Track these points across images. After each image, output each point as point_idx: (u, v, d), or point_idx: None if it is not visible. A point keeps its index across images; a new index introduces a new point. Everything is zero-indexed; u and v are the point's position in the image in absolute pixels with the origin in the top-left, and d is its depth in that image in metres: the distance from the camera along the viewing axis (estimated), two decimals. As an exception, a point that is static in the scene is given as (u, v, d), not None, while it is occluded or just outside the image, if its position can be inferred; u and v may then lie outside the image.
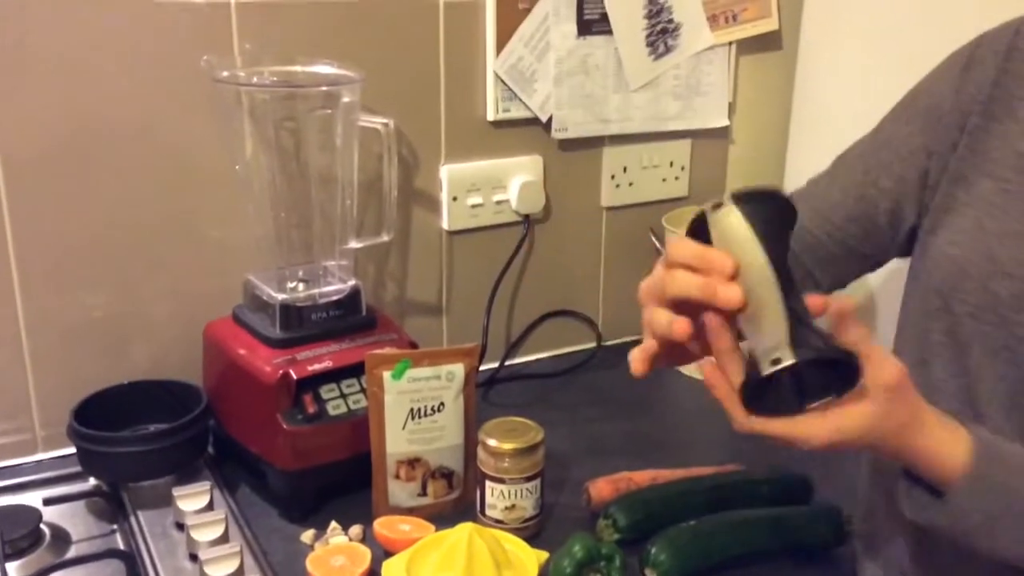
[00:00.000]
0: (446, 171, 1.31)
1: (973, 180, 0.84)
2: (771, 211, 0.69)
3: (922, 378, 0.87)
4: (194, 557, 0.94)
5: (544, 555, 0.93)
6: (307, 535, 1.00)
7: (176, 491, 1.01)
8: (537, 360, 1.47)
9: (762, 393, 0.68)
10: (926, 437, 0.71)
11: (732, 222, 0.68)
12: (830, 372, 0.68)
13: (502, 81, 1.31)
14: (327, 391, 1.04)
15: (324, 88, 1.10)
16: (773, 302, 0.66)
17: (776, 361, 0.65)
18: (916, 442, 0.71)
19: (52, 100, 1.07)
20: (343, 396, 1.05)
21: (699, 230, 0.71)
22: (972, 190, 0.84)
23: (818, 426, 0.68)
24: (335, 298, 1.10)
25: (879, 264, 0.97)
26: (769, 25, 1.48)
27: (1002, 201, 0.81)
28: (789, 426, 0.69)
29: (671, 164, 1.49)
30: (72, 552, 0.98)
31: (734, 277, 0.66)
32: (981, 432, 0.74)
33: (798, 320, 0.66)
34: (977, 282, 0.81)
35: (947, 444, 0.72)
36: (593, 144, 1.42)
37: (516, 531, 0.99)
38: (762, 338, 0.67)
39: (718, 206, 0.69)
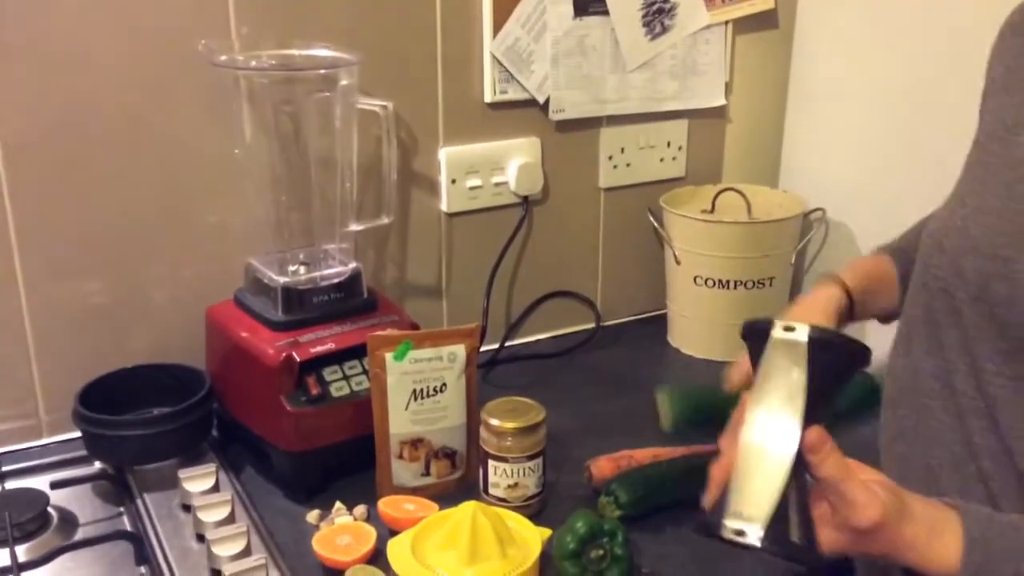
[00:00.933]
0: (444, 153, 1.32)
1: (971, 151, 0.84)
2: (831, 371, 0.68)
3: (907, 358, 0.85)
4: (201, 537, 0.95)
5: (547, 532, 0.94)
6: (312, 515, 1.01)
7: (182, 473, 1.02)
8: (537, 341, 1.47)
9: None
10: (917, 555, 0.69)
11: (791, 378, 0.67)
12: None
13: (499, 63, 1.31)
14: (330, 373, 1.05)
15: (322, 71, 1.10)
16: (777, 476, 0.65)
17: (740, 533, 0.64)
18: (904, 560, 0.70)
19: (49, 87, 1.07)
20: (346, 378, 1.05)
21: (757, 337, 0.70)
22: (967, 161, 0.84)
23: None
24: (336, 281, 1.11)
25: None
26: (765, 4, 1.47)
27: (982, 174, 0.80)
28: None
29: (668, 144, 1.50)
30: (80, 534, 0.99)
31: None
32: (970, 522, 0.70)
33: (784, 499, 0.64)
34: (949, 257, 0.78)
35: (937, 553, 0.69)
36: (590, 125, 1.43)
37: (519, 509, 1.00)
38: (742, 497, 0.65)
39: (789, 329, 0.68)
